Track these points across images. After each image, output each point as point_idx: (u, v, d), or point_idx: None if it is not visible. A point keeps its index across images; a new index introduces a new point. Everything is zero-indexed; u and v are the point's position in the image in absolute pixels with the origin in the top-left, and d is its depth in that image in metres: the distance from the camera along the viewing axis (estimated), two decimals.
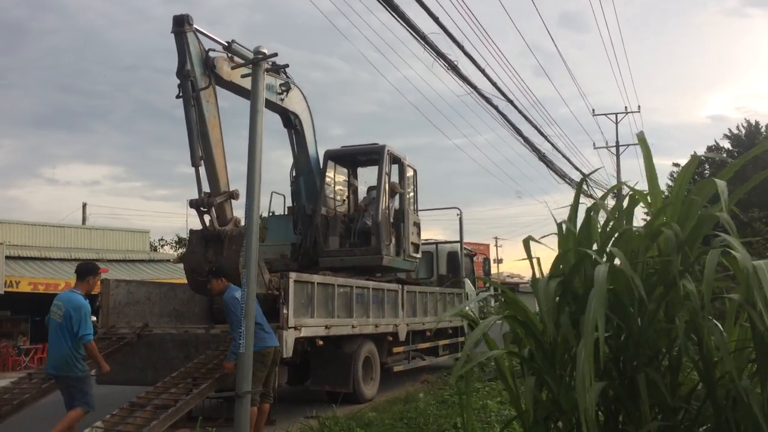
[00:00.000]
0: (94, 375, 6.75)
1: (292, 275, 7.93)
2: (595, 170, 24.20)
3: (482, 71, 12.25)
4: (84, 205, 34.09)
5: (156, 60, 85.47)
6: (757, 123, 33.70)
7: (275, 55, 6.31)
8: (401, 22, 9.67)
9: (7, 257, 19.79)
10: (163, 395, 6.22)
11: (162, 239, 49.61)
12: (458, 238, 14.91)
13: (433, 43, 10.58)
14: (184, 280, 8.57)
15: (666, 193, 4.04)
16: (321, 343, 8.96)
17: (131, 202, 78.50)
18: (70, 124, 78.11)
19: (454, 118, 73.36)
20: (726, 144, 33.99)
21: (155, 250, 38.93)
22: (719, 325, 3.30)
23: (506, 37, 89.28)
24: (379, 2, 9.10)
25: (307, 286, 8.38)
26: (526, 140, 16.99)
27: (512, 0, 13.89)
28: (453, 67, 11.46)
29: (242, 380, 6.13)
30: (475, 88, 12.82)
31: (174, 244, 49.12)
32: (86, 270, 6.47)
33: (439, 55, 10.96)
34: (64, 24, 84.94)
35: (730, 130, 34.27)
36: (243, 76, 7.07)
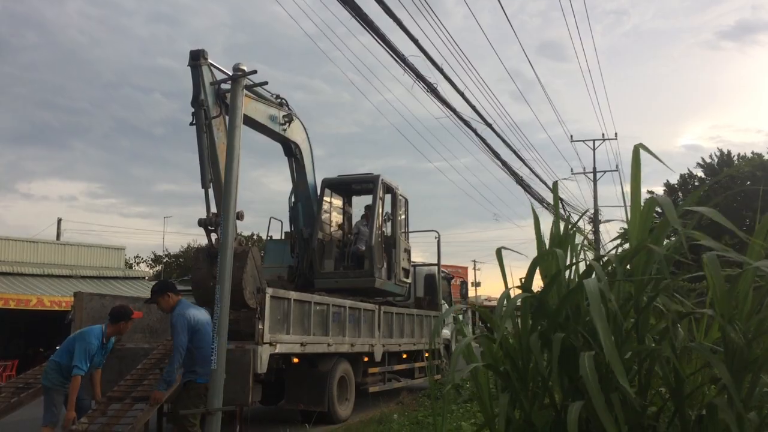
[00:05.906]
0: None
1: (269, 290, 7.92)
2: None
3: (461, 94, 12.41)
4: (59, 221, 32.77)
5: (136, 78, 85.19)
6: (729, 152, 34.51)
7: (254, 72, 6.38)
8: (382, 44, 9.80)
9: None
10: (138, 387, 6.44)
11: (138, 256, 49.08)
12: (436, 261, 15.04)
13: (413, 65, 10.73)
14: None
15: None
16: (296, 360, 8.89)
17: (108, 219, 77.66)
18: (49, 140, 77.33)
19: (434, 142, 73.97)
20: (699, 172, 34.68)
21: (130, 267, 38.41)
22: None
23: (486, 63, 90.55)
24: (361, 25, 9.23)
25: (283, 303, 8.34)
26: (504, 164, 17.18)
27: (493, 27, 14.17)
28: (432, 90, 11.60)
29: (213, 396, 6.08)
30: (454, 111, 12.97)
31: (150, 262, 48.63)
32: (119, 314, 6.63)
33: (419, 77, 11.10)
34: (45, 40, 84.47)
35: (703, 159, 34.99)
36: (224, 92, 7.10)
